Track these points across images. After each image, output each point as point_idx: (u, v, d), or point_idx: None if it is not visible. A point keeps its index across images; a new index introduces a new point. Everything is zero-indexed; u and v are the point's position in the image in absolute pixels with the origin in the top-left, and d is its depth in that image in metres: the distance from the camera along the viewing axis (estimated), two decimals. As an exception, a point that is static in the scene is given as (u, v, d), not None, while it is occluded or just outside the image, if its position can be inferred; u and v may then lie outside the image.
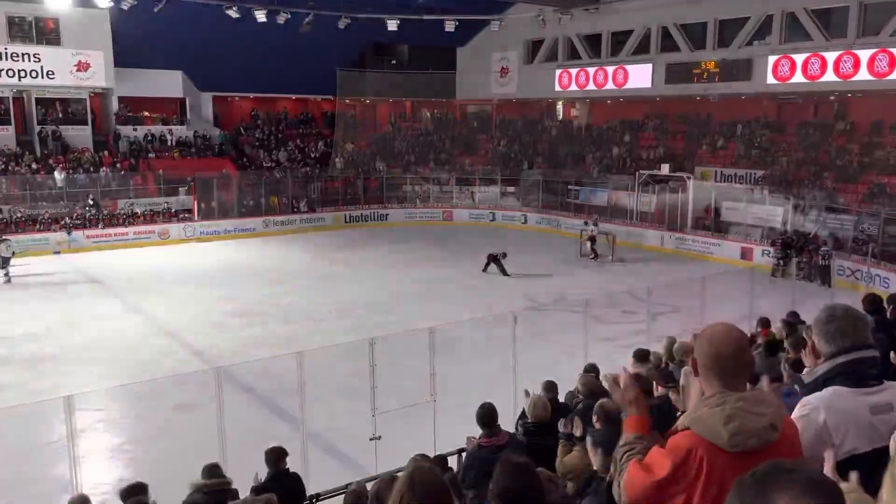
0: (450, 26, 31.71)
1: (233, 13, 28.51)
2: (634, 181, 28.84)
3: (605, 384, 2.60)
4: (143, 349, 15.20)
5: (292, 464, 6.76)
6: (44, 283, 21.44)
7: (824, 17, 25.64)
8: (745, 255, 23.89)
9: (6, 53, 29.12)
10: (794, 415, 2.56)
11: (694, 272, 20.99)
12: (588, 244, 24.94)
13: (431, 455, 5.83)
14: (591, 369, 7.98)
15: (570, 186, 31.62)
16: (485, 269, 22.50)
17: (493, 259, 22.54)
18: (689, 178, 27.38)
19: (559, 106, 37.43)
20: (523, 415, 6.27)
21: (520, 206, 33.02)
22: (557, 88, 34.88)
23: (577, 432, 4.85)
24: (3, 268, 21.50)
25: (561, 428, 5.12)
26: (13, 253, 22.00)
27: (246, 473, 6.51)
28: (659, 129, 32.17)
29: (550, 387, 6.82)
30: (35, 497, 9.12)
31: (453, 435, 8.13)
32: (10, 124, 30.31)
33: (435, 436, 9.02)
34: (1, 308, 18.32)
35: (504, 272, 22.21)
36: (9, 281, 21.29)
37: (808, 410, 2.54)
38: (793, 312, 9.27)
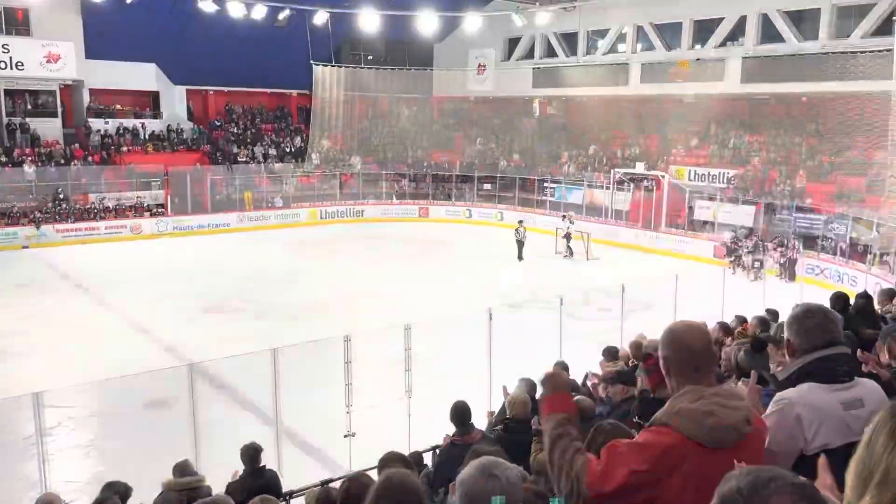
0: (427, 22, 31.64)
1: (207, 6, 28.15)
2: (610, 179, 29.05)
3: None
4: (114, 345, 14.98)
5: (266, 461, 6.71)
6: (12, 278, 21.03)
7: (797, 18, 26.04)
8: (717, 253, 24.19)
9: (-27, 43, 28.47)
10: (769, 409, 2.60)
11: (667, 270, 21.25)
12: (564, 241, 25.08)
13: (406, 452, 5.82)
14: (560, 366, 8.06)
15: (546, 184, 31.77)
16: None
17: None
18: (663, 176, 27.65)
19: (535, 104, 37.55)
20: (503, 411, 6.29)
21: (496, 204, 33.09)
22: (533, 86, 35.02)
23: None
24: None
25: (534, 425, 5.14)
26: None
27: (220, 470, 6.46)
28: (634, 127, 32.43)
29: (528, 384, 6.84)
30: (4, 495, 8.95)
31: (428, 432, 8.14)
32: (-24, 116, 29.70)
33: (409, 433, 9.02)
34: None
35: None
36: None
37: (783, 405, 2.58)
38: (771, 310, 9.40)
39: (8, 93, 30.46)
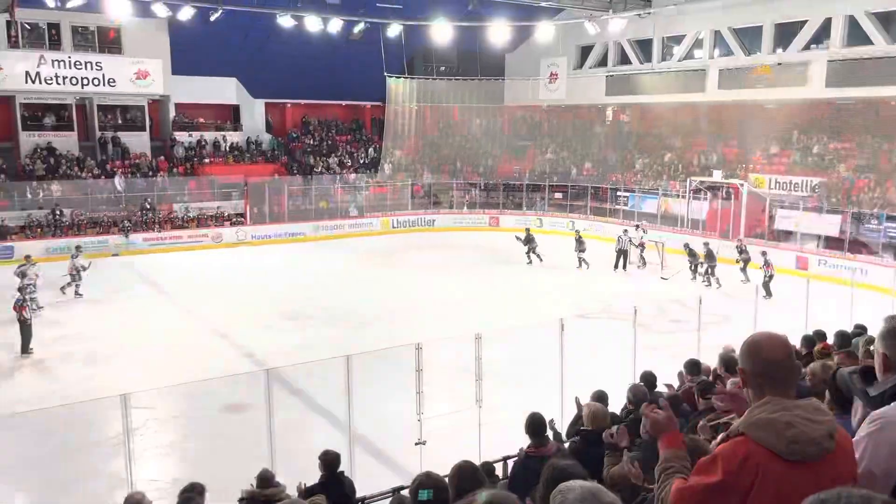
0: (499, 33, 31.71)
1: (285, 21, 29.05)
2: (686, 188, 28.35)
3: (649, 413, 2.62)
4: (195, 349, 15.56)
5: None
6: (102, 284, 22.11)
7: (886, 19, 24.85)
8: (801, 264, 23.24)
9: (70, 62, 30.23)
10: (867, 429, 2.47)
11: (746, 281, 20.58)
12: (637, 251, 24.58)
13: (477, 462, 5.82)
14: (647, 378, 7.82)
15: (618, 193, 31.27)
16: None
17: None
18: (742, 185, 26.79)
19: (609, 112, 37.07)
20: (576, 422, 6.21)
21: (567, 213, 32.78)
22: (607, 94, 34.61)
23: (623, 443, 4.79)
24: (74, 281, 19.95)
25: (606, 438, 5.06)
26: (87, 264, 20.39)
27: (293, 474, 6.60)
28: (711, 134, 31.58)
29: (602, 396, 6.74)
30: (91, 492, 9.39)
31: (498, 442, 8.11)
32: (73, 130, 31.47)
33: (480, 442, 9.01)
34: (61, 307, 18.95)
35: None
36: (80, 296, 20.06)
37: (882, 424, 2.45)
38: (860, 325, 8.96)
39: (101, 108, 32.18)
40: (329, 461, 6.40)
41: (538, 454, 5.07)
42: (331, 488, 6.17)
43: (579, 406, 6.47)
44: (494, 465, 6.51)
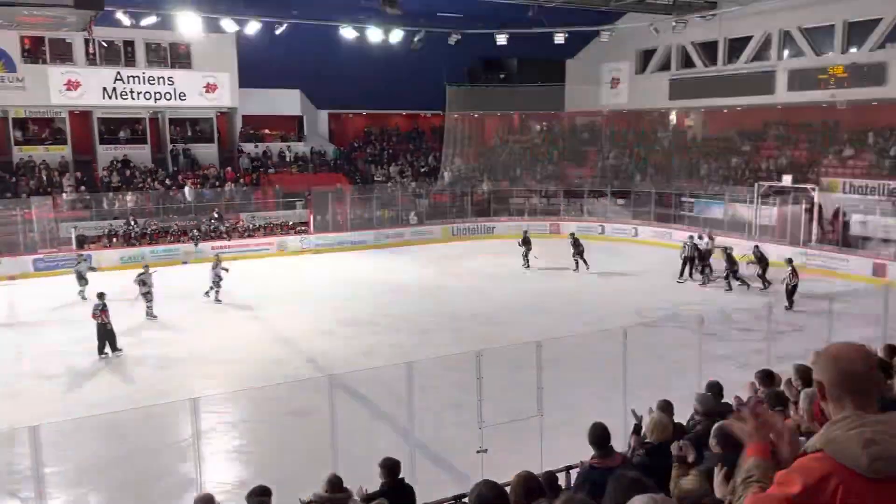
0: (559, 39, 31.52)
1: (348, 33, 29.56)
2: (754, 193, 27.54)
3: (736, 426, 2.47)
4: (261, 355, 15.94)
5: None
6: (173, 291, 22.86)
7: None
8: (878, 271, 22.26)
9: (144, 77, 31.49)
10: None
11: (819, 289, 19.79)
12: (705, 259, 23.94)
13: (538, 471, 5.77)
14: (714, 387, 7.60)
15: (683, 198, 30.60)
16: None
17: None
18: (813, 189, 25.86)
19: (672, 116, 36.37)
20: (638, 432, 6.09)
21: (630, 219, 32.27)
22: (670, 98, 33.97)
23: (690, 458, 4.67)
24: (214, 288, 21.08)
25: (675, 451, 4.94)
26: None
27: (355, 480, 6.67)
28: (781, 138, 30.62)
29: (666, 406, 6.59)
30: (162, 493, 9.70)
31: (560, 451, 8.03)
32: (146, 143, 32.76)
33: (542, 451, 8.93)
34: (134, 313, 19.66)
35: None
36: (219, 302, 20.89)
37: None
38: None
39: (172, 121, 33.42)
40: (390, 467, 6.44)
41: (603, 466, 4.98)
42: (392, 494, 6.21)
43: (637, 417, 6.35)
44: (557, 474, 6.44)
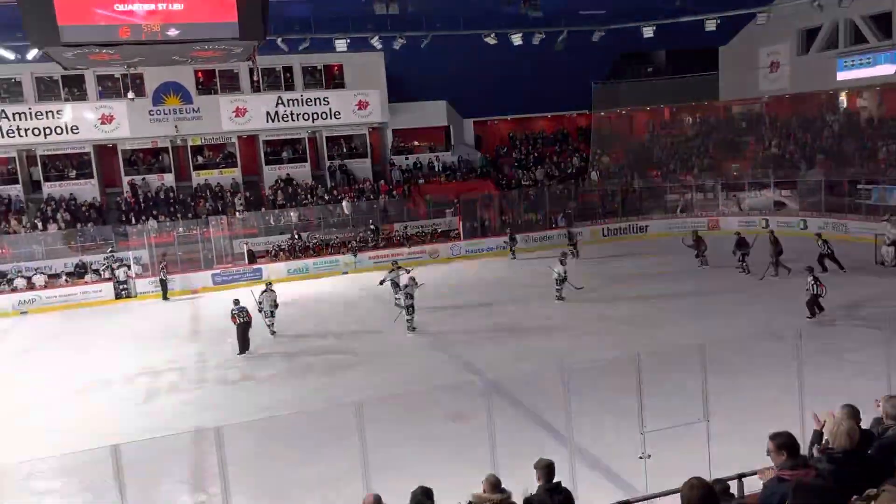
0: (710, 26, 30.03)
1: (490, 40, 29.87)
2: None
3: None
4: (419, 359, 16.42)
5: (559, 478, 6.79)
6: (338, 299, 24.11)
7: None
8: None
9: (302, 99, 33.62)
10: None
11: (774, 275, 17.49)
12: (892, 249, 21.86)
13: (707, 479, 5.50)
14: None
15: (859, 186, 28.06)
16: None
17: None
18: None
19: (842, 97, 33.51)
20: (819, 440, 5.64)
21: (797, 211, 30.03)
22: (840, 78, 31.31)
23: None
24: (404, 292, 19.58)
25: None
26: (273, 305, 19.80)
27: (514, 482, 6.68)
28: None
29: (852, 412, 6.06)
30: (326, 495, 10.17)
31: (729, 459, 7.61)
32: (306, 161, 34.90)
33: (710, 458, 8.51)
34: (305, 320, 20.90)
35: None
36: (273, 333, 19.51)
37: None
38: None
39: (329, 139, 35.37)
40: (546, 467, 6.41)
41: (793, 477, 4.59)
42: (551, 496, 6.16)
43: (819, 423, 5.88)
44: (729, 482, 6.10)
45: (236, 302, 18.41)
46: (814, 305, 16.78)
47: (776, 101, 35.12)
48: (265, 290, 19.66)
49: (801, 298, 17.09)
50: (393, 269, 21.91)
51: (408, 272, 20.51)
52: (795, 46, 33.57)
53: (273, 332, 19.39)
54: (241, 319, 18.02)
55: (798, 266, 19.64)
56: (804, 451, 6.41)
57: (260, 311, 19.20)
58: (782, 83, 34.24)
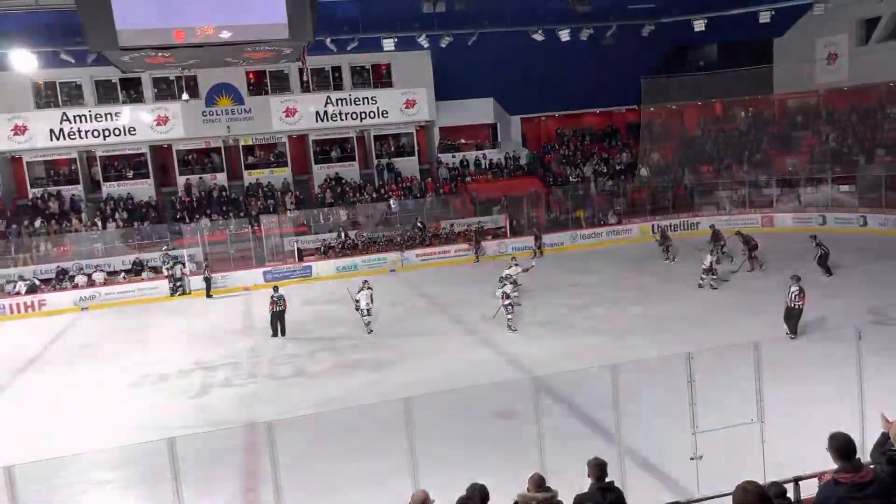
0: (764, 17, 29.26)
1: (538, 36, 29.68)
2: None
3: None
4: (466, 357, 16.43)
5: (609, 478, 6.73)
6: (384, 298, 24.25)
7: None
8: None
9: (351, 98, 33.98)
10: None
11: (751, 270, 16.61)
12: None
13: (761, 482, 5.39)
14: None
15: (923, 180, 27.06)
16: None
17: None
18: None
19: (905, 88, 32.32)
20: (883, 444, 5.46)
21: (857, 207, 29.08)
22: (902, 68, 30.23)
23: None
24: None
25: None
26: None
27: (561, 481, 6.65)
28: None
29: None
30: (375, 491, 10.26)
31: (783, 461, 7.45)
32: (354, 160, 35.23)
33: (764, 460, 8.33)
34: (354, 317, 21.13)
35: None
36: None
37: None
38: None
39: (376, 138, 35.65)
40: (599, 465, 6.36)
41: (850, 481, 4.46)
42: (603, 495, 6.12)
43: (886, 424, 5.68)
44: (785, 486, 5.97)
45: (275, 289, 20.25)
46: (792, 321, 15.32)
47: (833, 93, 34.05)
48: (362, 288, 19.49)
49: (860, 296, 16.57)
50: (511, 266, 21.24)
51: (517, 265, 21.23)
52: (854, 37, 32.49)
53: (370, 332, 19.22)
54: (278, 308, 19.70)
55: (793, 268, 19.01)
56: (862, 453, 6.22)
57: (357, 310, 19.39)
58: (840, 75, 33.19)
